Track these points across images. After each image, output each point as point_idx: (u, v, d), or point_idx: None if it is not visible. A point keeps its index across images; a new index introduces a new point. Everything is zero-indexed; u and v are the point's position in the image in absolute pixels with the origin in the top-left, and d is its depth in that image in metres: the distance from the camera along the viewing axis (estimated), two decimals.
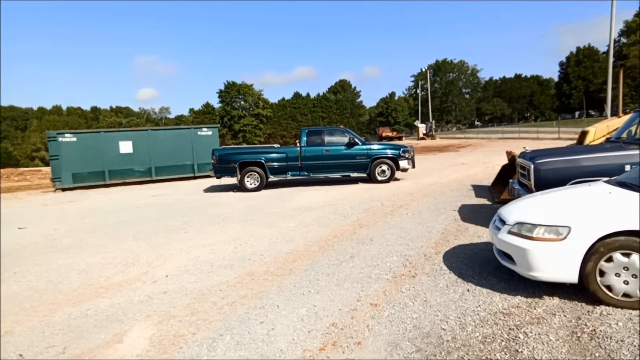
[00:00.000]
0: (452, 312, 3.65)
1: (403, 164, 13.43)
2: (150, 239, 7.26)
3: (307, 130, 13.93)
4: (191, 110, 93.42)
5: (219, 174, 13.62)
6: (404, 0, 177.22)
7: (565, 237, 3.61)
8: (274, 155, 13.53)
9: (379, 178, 13.35)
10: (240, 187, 13.34)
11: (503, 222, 4.19)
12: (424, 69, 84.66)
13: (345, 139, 13.50)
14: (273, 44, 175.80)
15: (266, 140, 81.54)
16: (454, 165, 17.68)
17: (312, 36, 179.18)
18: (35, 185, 23.00)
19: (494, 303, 3.77)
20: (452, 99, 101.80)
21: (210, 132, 21.33)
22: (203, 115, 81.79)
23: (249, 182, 13.31)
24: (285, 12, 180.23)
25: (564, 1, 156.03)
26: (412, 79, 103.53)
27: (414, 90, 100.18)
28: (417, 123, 72.02)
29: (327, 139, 13.64)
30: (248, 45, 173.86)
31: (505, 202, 6.63)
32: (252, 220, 8.43)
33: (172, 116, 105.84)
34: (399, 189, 11.54)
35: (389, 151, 13.52)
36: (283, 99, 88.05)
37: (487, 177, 12.24)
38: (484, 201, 8.86)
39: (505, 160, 10.36)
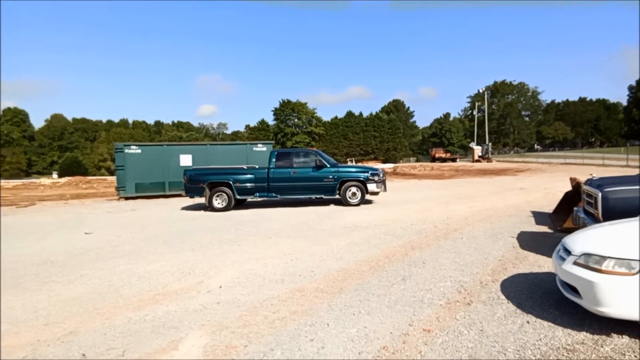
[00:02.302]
0: (511, 344, 3.48)
1: (371, 187, 13.36)
2: (205, 250, 7.50)
3: (275, 152, 14.08)
4: (247, 126, 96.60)
5: (190, 193, 13.93)
6: (463, 19, 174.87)
7: (638, 272, 3.36)
8: (242, 176, 13.72)
9: (350, 201, 13.36)
10: (209, 207, 13.52)
11: (568, 252, 3.97)
12: (481, 90, 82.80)
13: (314, 162, 13.61)
14: (328, 63, 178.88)
15: None
16: (512, 190, 17.00)
17: (366, 56, 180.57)
18: (101, 193, 24.51)
19: (556, 338, 3.56)
20: (511, 121, 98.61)
21: (264, 148, 21.89)
22: (258, 132, 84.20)
23: (217, 202, 13.49)
24: (340, 31, 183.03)
25: (633, 22, 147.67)
26: (469, 100, 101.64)
27: (470, 111, 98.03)
28: (473, 145, 70.22)
29: (295, 160, 13.76)
30: (304, 65, 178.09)
31: (568, 231, 6.28)
32: (302, 237, 8.50)
33: (229, 132, 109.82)
34: (453, 212, 11.23)
35: (356, 174, 13.58)
36: (336, 117, 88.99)
37: (548, 203, 11.66)
38: (544, 229, 8.43)
39: (568, 187, 9.83)
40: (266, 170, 13.70)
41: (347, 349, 3.47)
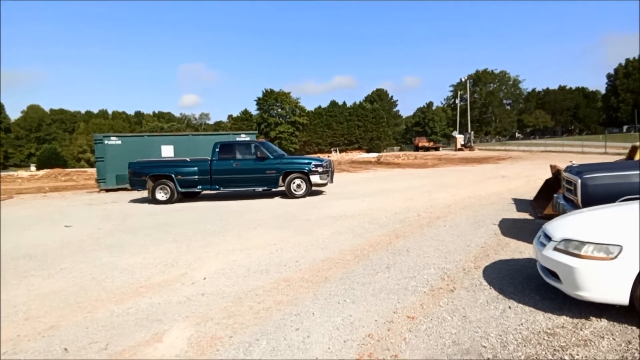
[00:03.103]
0: (493, 329, 3.54)
1: (314, 178, 13.20)
2: (189, 242, 7.43)
3: (219, 144, 13.89)
4: (230, 116, 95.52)
5: (134, 186, 13.98)
6: (448, 9, 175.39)
7: (616, 256, 3.44)
8: (184, 169, 13.59)
9: (295, 193, 13.20)
10: (152, 200, 13.53)
11: (548, 239, 4.04)
12: (463, 79, 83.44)
13: (256, 153, 13.52)
14: (313, 53, 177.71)
15: (301, 148, 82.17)
16: (494, 178, 17.24)
17: (351, 45, 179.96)
18: (81, 186, 24.08)
19: (537, 322, 3.63)
20: (492, 110, 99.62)
21: (248, 138, 21.71)
22: (241, 122, 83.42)
23: (160, 195, 13.47)
24: (327, 21, 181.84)
25: (611, 13, 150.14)
26: (451, 89, 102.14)
27: (453, 100, 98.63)
28: (455, 134, 70.90)
29: (238, 152, 13.63)
30: (289, 54, 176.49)
31: (548, 217, 6.39)
32: (287, 227, 8.49)
33: (211, 122, 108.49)
34: (436, 200, 11.34)
35: (298, 165, 13.43)
36: (319, 107, 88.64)
37: (529, 191, 11.85)
38: (525, 216, 8.58)
39: (548, 174, 10.01)
40: (209, 162, 13.58)
41: (332, 338, 3.49)
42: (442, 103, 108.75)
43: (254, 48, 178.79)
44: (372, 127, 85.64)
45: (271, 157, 13.49)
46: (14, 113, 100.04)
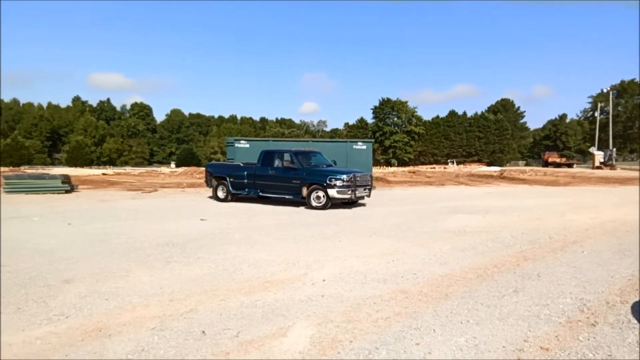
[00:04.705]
0: None
1: (331, 192, 12.78)
2: (307, 243, 7.74)
3: (264, 151, 14.80)
4: (346, 124, 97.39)
5: (208, 184, 15.94)
6: (585, 11, 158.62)
7: None
8: (237, 172, 14.84)
9: (313, 203, 13.07)
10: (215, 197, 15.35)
11: None
12: (605, 90, 74.50)
13: (288, 161, 13.84)
14: (432, 61, 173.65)
15: (416, 158, 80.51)
16: None
17: (473, 51, 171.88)
18: None
19: None
20: None
21: (364, 147, 21.96)
22: (356, 130, 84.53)
23: (220, 194, 15.18)
24: (445, 26, 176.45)
25: None
26: (590, 100, 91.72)
27: (591, 112, 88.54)
28: (593, 150, 63.60)
29: (276, 160, 14.18)
30: (407, 63, 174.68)
31: None
32: (403, 238, 8.37)
33: (328, 129, 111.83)
34: (570, 222, 10.26)
35: (318, 178, 13.21)
36: (437, 116, 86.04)
37: None
38: None
39: None
40: (254, 167, 14.51)
41: (455, 358, 3.34)
42: (577, 115, 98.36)
43: (371, 57, 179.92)
44: (494, 139, 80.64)
45: (300, 167, 13.63)
46: (160, 115, 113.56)
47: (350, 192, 12.98)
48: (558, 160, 66.01)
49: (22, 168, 54.20)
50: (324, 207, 12.92)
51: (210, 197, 16.04)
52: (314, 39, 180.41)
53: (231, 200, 14.90)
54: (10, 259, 6.33)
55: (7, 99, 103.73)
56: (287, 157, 14.13)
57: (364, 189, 13.77)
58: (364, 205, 14.18)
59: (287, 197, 13.99)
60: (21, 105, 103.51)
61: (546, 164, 65.04)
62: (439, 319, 4.14)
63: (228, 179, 14.87)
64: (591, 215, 11.47)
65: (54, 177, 18.90)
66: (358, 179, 13.32)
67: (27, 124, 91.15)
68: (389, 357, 3.34)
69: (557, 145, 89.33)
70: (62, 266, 5.96)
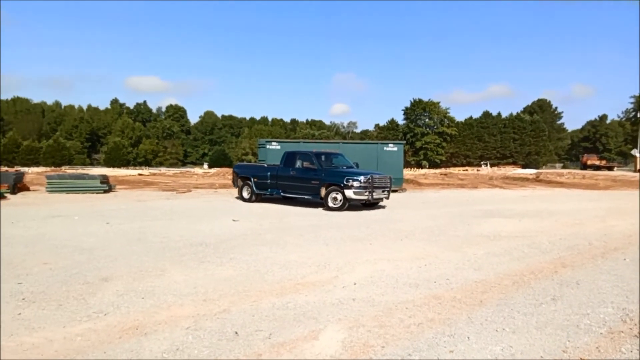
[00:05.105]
0: None
1: (348, 193, 12.88)
2: (338, 245, 7.73)
3: (286, 153, 15.13)
4: (376, 125, 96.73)
5: (234, 184, 16.45)
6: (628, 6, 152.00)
7: None
8: (260, 173, 15.27)
9: (330, 204, 13.21)
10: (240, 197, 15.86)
11: None
12: None
13: (308, 162, 14.01)
14: (465, 60, 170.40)
15: (448, 160, 79.18)
16: None
17: (508, 51, 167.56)
18: None
19: None
20: None
21: (395, 149, 21.77)
22: (387, 131, 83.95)
23: (245, 193, 15.61)
24: (478, 23, 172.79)
25: None
26: (632, 100, 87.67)
27: (634, 113, 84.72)
28: (635, 152, 60.88)
29: (297, 161, 14.39)
30: (438, 63, 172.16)
31: None
32: (435, 242, 8.24)
33: (358, 130, 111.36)
34: (612, 228, 9.86)
35: (335, 179, 13.33)
36: (470, 117, 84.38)
37: None
38: None
39: None
40: (277, 168, 14.89)
41: None
42: (618, 116, 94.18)
43: (402, 56, 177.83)
44: (530, 140, 78.40)
45: (318, 168, 13.78)
46: (193, 117, 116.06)
47: (367, 193, 13.02)
48: (597, 162, 63.69)
49: (62, 168, 56.53)
50: (340, 209, 13.01)
51: (237, 198, 16.33)
52: (344, 39, 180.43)
53: (255, 201, 15.26)
54: (52, 256, 6.60)
55: (49, 101, 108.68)
56: (307, 158, 14.35)
57: (382, 191, 13.75)
58: (394, 208, 14.05)
59: (306, 197, 14.23)
60: (62, 107, 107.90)
61: (585, 166, 62.81)
62: (473, 326, 4.05)
63: (252, 179, 15.27)
64: (633, 221, 10.97)
65: (93, 177, 19.60)
66: (376, 180, 13.37)
67: (68, 125, 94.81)
68: None
69: (596, 147, 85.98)
70: (101, 264, 6.17)
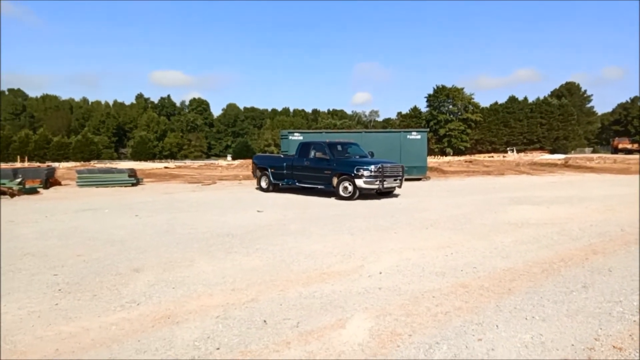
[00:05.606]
0: None
1: (359, 182, 12.91)
2: (363, 235, 7.74)
3: (301, 143, 15.54)
4: (399, 114, 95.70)
5: (254, 175, 16.90)
6: None
7: None
8: (277, 163, 15.69)
9: (341, 193, 13.32)
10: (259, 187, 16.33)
11: None
12: None
13: (321, 153, 14.19)
14: (489, 43, 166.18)
15: (472, 146, 77.83)
16: None
17: (535, 34, 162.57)
18: None
19: None
20: None
21: (419, 136, 21.55)
22: (410, 119, 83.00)
23: (263, 184, 16.03)
24: (501, 4, 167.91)
25: None
26: None
27: None
28: None
29: (312, 151, 14.58)
30: (462, 47, 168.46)
31: None
32: (461, 230, 8.16)
33: (380, 119, 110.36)
34: None
35: (346, 168, 13.39)
36: (496, 103, 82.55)
37: None
38: None
39: None
40: (292, 159, 15.20)
41: (520, 355, 3.23)
42: None
43: (424, 44, 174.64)
44: (558, 125, 76.31)
45: (330, 157, 13.87)
46: (216, 110, 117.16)
47: (378, 182, 13.03)
48: (629, 146, 61.62)
49: (91, 163, 58.10)
50: (350, 198, 13.10)
51: (257, 188, 16.54)
52: (366, 25, 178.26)
53: (272, 191, 15.58)
54: (85, 248, 6.82)
55: (77, 97, 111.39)
56: (320, 148, 14.49)
57: (394, 180, 13.71)
58: (418, 196, 13.94)
59: (319, 186, 14.46)
60: (90, 103, 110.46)
61: (616, 150, 60.86)
62: (502, 315, 4.01)
63: (269, 169, 15.64)
64: None
65: (121, 171, 20.10)
66: (387, 169, 13.37)
67: (95, 121, 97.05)
68: (450, 353, 3.29)
69: (628, 131, 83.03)
70: (132, 255, 6.34)
